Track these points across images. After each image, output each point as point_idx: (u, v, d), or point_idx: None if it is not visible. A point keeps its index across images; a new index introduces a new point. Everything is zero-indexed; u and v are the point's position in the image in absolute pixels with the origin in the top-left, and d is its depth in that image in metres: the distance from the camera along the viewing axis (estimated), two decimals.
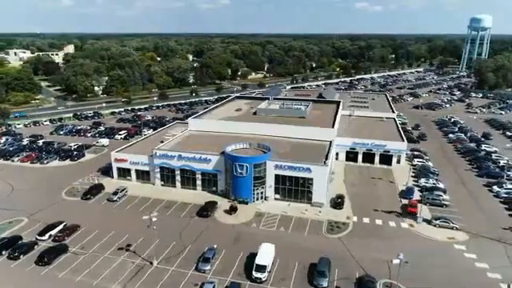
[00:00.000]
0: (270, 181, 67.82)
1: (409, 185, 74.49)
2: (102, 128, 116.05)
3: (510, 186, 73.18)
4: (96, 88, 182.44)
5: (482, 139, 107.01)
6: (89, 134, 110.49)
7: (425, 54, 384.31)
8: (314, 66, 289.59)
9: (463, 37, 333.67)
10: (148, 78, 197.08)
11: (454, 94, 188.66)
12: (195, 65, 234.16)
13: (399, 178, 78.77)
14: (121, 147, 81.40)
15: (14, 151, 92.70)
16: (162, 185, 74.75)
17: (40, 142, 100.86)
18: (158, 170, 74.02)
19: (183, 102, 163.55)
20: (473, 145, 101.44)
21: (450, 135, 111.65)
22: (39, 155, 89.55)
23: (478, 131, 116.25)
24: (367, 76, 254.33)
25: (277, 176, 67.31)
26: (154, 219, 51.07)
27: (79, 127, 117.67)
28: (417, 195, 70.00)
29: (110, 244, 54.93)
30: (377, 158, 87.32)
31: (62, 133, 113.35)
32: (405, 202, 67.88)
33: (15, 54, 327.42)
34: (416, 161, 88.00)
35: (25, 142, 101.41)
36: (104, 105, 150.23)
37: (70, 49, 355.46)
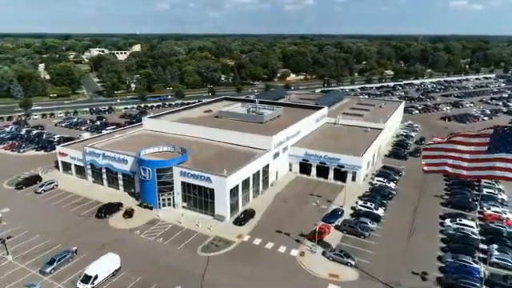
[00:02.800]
0: (178, 188, 64.77)
1: (338, 207, 65.03)
2: (98, 123, 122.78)
3: (465, 222, 59.40)
4: (133, 85, 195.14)
5: None
6: (83, 128, 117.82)
7: (507, 57, 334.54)
8: (362, 68, 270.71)
9: None
10: (179, 77, 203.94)
11: (509, 105, 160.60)
12: (232, 65, 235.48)
13: (343, 199, 69.16)
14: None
15: (4, 138, 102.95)
16: (94, 182, 76.26)
17: (33, 132, 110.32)
18: (89, 166, 75.64)
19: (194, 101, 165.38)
20: None
21: None
22: (20, 144, 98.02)
23: None
24: (418, 81, 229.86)
25: (183, 183, 63.95)
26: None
27: (80, 121, 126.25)
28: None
29: None
30: (331, 173, 78.04)
31: (63, 125, 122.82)
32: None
33: (90, 52, 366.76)
34: (376, 180, 76.58)
35: (23, 131, 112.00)
36: (118, 101, 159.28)
37: (137, 48, 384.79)
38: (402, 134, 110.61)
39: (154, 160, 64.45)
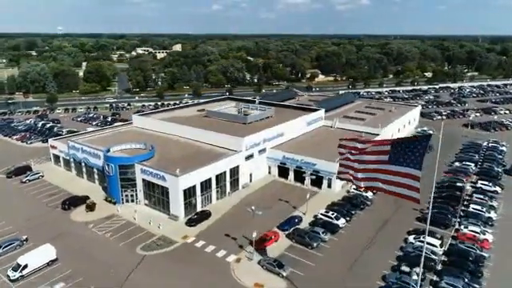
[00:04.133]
0: (140, 185, 65.60)
1: (296, 214, 62.01)
2: (109, 119, 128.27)
3: (429, 240, 53.82)
4: (160, 83, 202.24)
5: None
6: (94, 123, 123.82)
7: None
8: (398, 70, 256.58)
9: None
10: (204, 76, 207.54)
11: None
12: (260, 64, 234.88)
13: (313, 206, 65.78)
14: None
15: (20, 130, 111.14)
16: (76, 175, 79.70)
17: (47, 126, 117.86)
18: (72, 160, 79.14)
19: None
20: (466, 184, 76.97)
21: (457, 163, 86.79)
22: (30, 136, 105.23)
23: None
24: (456, 84, 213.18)
25: (144, 180, 64.68)
26: None
27: (94, 116, 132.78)
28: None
29: None
30: (307, 178, 74.71)
31: (79, 120, 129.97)
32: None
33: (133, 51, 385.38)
34: (353, 188, 72.05)
35: (39, 124, 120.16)
36: (137, 98, 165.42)
37: (178, 47, 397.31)
38: None
39: (117, 156, 65.90)
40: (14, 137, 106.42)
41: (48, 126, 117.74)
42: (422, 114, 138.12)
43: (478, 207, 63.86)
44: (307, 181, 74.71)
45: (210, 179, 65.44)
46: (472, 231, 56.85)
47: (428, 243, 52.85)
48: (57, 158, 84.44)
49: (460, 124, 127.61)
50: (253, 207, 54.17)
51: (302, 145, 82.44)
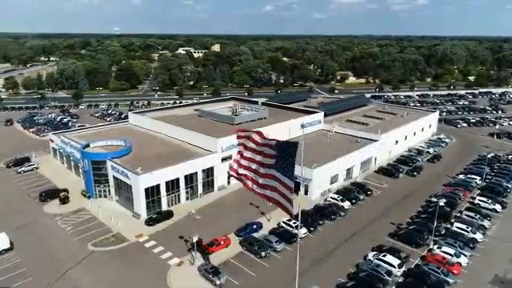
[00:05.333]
0: (111, 181, 66.61)
1: (256, 220, 59.41)
2: (123, 116, 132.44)
3: (389, 259, 48.96)
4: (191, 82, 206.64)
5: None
6: (108, 119, 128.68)
7: None
8: (437, 73, 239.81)
9: None
10: (229, 76, 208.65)
11: None
12: (287, 65, 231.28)
13: (282, 213, 62.75)
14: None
15: (38, 123, 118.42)
16: (67, 168, 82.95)
17: (64, 120, 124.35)
18: (63, 153, 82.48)
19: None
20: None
21: (461, 176, 78.77)
22: (44, 129, 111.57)
23: None
24: (499, 90, 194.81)
25: (114, 177, 65.58)
26: None
27: (111, 112, 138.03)
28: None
29: None
30: None
31: (96, 115, 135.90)
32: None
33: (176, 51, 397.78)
34: (330, 196, 67.85)
35: (58, 118, 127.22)
36: (156, 96, 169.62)
37: (216, 48, 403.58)
38: (418, 149, 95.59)
39: (90, 152, 67.47)
40: (31, 129, 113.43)
41: (65, 120, 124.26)
42: (447, 121, 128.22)
43: (463, 226, 57.21)
44: None
45: (177, 179, 64.85)
46: (444, 252, 50.99)
47: (386, 262, 48.41)
48: (55, 151, 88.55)
49: (486, 133, 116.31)
50: (193, 211, 52.49)
51: None
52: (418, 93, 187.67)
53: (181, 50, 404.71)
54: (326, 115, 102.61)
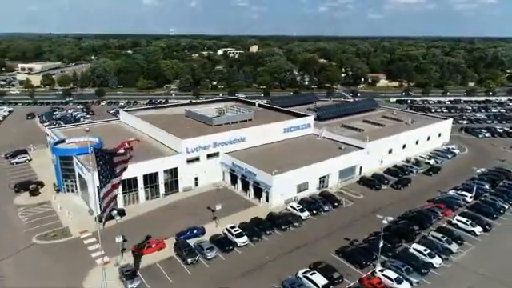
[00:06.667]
0: (77, 176, 68.47)
1: (199, 226, 57.52)
2: None
3: (316, 278, 44.90)
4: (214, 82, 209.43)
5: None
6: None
7: None
8: (482, 77, 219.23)
9: None
10: (253, 77, 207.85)
11: None
12: (315, 67, 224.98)
13: (234, 219, 60.61)
14: None
15: (55, 118, 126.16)
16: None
17: (77, 116, 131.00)
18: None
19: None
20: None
21: (451, 192, 70.69)
22: (55, 123, 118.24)
23: None
24: None
25: (78, 173, 67.29)
26: None
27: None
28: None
29: None
30: (251, 189, 69.08)
31: (111, 112, 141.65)
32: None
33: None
34: (289, 205, 64.04)
35: (74, 114, 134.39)
36: (173, 95, 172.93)
37: (255, 48, 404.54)
38: (416, 159, 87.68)
39: (58, 148, 69.85)
40: (45, 124, 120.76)
41: (78, 116, 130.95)
42: (467, 130, 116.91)
43: (422, 248, 51.09)
44: (250, 191, 69.27)
45: (135, 178, 65.00)
46: (385, 276, 45.82)
47: (311, 281, 44.58)
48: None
49: (509, 145, 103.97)
50: (114, 212, 51.74)
51: (263, 153, 76.54)
52: (451, 98, 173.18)
53: (220, 51, 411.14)
54: (322, 119, 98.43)
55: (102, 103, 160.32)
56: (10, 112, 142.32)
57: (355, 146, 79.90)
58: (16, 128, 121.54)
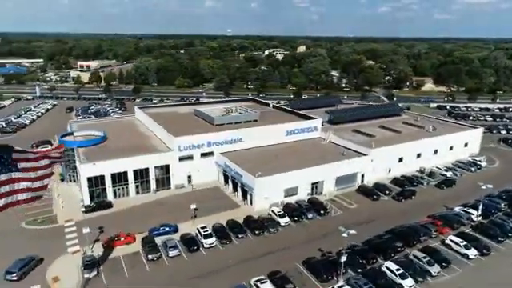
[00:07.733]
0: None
1: (171, 223, 57.60)
2: None
3: None
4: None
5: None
6: None
7: None
8: None
9: None
10: (288, 78, 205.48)
11: None
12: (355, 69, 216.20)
13: (214, 219, 60.28)
14: None
15: (89, 113, 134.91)
16: None
17: (110, 111, 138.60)
18: None
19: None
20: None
21: (457, 208, 63.72)
22: (88, 117, 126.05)
23: None
24: None
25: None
26: None
27: None
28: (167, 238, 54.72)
29: None
30: (239, 190, 68.12)
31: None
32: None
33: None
34: (272, 209, 61.85)
35: (107, 109, 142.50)
36: (204, 94, 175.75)
37: (302, 49, 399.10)
38: (431, 170, 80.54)
39: (63, 140, 74.06)
40: (78, 117, 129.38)
41: (110, 111, 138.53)
42: (506, 141, 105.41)
43: (393, 267, 46.70)
44: (239, 192, 68.37)
45: (125, 172, 67.03)
46: None
47: None
48: None
49: None
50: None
51: (259, 155, 75.09)
52: (501, 106, 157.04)
53: (266, 52, 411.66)
54: (334, 123, 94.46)
55: (138, 100, 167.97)
56: (53, 106, 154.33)
57: (359, 153, 75.46)
58: (51, 120, 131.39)
